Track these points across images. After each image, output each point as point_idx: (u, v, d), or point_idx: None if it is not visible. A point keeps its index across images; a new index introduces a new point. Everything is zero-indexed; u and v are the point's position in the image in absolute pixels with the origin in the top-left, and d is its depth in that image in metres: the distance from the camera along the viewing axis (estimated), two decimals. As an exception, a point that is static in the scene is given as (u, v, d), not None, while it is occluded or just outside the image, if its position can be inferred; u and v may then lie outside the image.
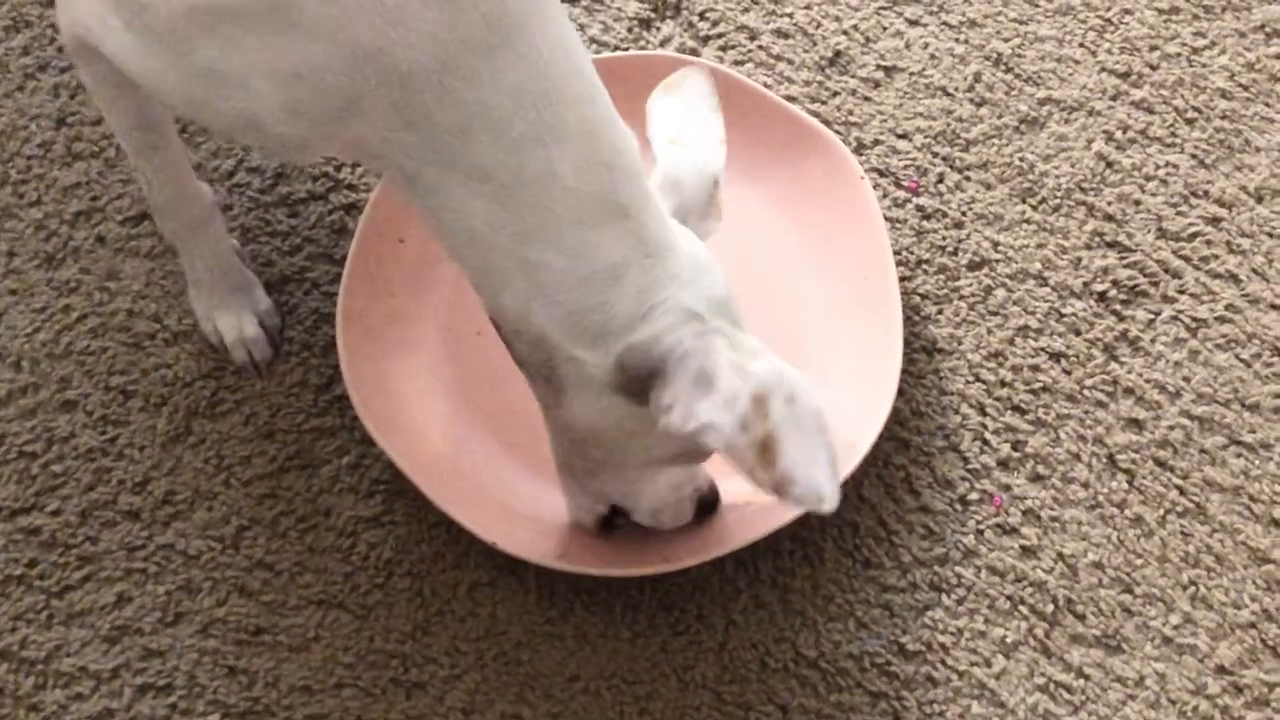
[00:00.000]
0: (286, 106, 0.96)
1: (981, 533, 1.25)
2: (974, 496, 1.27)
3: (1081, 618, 1.22)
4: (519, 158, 0.95)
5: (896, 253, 1.36)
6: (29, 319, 1.32)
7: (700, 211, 1.10)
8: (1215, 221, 1.41)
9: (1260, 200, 1.42)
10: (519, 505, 1.22)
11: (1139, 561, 1.25)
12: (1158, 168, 1.44)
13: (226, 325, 1.28)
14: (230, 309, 1.28)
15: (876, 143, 1.44)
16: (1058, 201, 1.42)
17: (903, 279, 1.35)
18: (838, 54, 1.49)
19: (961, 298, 1.36)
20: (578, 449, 1.10)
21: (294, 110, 0.96)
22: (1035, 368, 1.33)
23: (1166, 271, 1.38)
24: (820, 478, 0.95)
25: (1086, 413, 1.31)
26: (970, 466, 1.28)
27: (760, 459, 0.95)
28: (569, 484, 1.15)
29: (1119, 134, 1.45)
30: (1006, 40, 1.50)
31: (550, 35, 0.96)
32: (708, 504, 1.18)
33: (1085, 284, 1.37)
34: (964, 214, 1.41)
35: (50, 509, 1.24)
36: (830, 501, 0.95)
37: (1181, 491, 1.28)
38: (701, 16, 1.50)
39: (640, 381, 0.99)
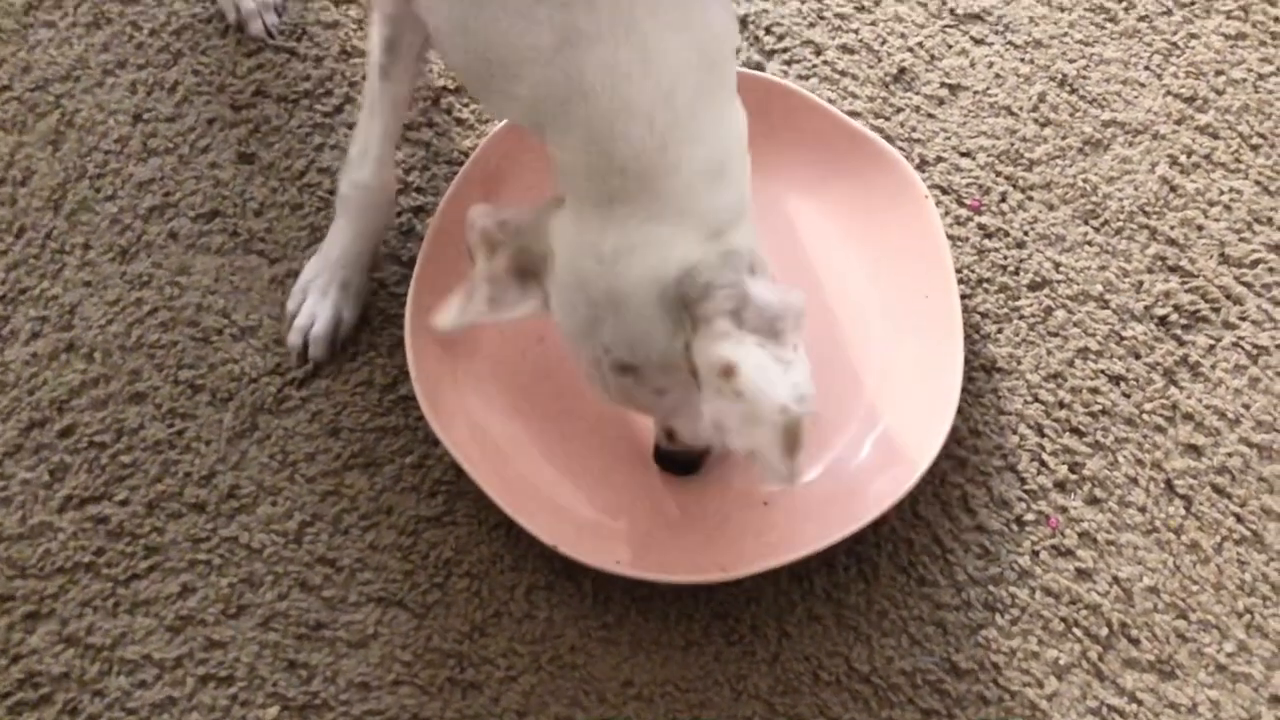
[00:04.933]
0: None
1: (1037, 554, 1.26)
2: (1030, 517, 1.27)
3: (1135, 642, 1.22)
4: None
5: (957, 271, 1.36)
6: (102, 311, 1.34)
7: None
8: (1278, 249, 1.41)
9: (1325, 229, 1.42)
10: (579, 510, 1.24)
11: (1195, 588, 1.25)
12: (1221, 193, 1.44)
13: (308, 307, 1.30)
14: (324, 295, 1.30)
15: (939, 160, 1.45)
16: (1120, 224, 1.42)
17: (963, 297, 1.35)
18: (902, 70, 1.49)
19: (1022, 318, 1.37)
20: None
21: None
22: (1095, 390, 1.33)
23: (1228, 297, 1.38)
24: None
25: (1145, 437, 1.31)
26: (1027, 487, 1.29)
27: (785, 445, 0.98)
28: None
29: (1183, 158, 1.45)
30: (1072, 61, 1.51)
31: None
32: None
33: (1146, 308, 1.38)
34: (1026, 234, 1.41)
35: (118, 499, 1.26)
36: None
37: (1239, 519, 1.28)
38: (768, 31, 1.51)
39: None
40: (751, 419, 0.97)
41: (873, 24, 1.52)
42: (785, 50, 1.50)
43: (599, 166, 1.01)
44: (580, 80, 1.00)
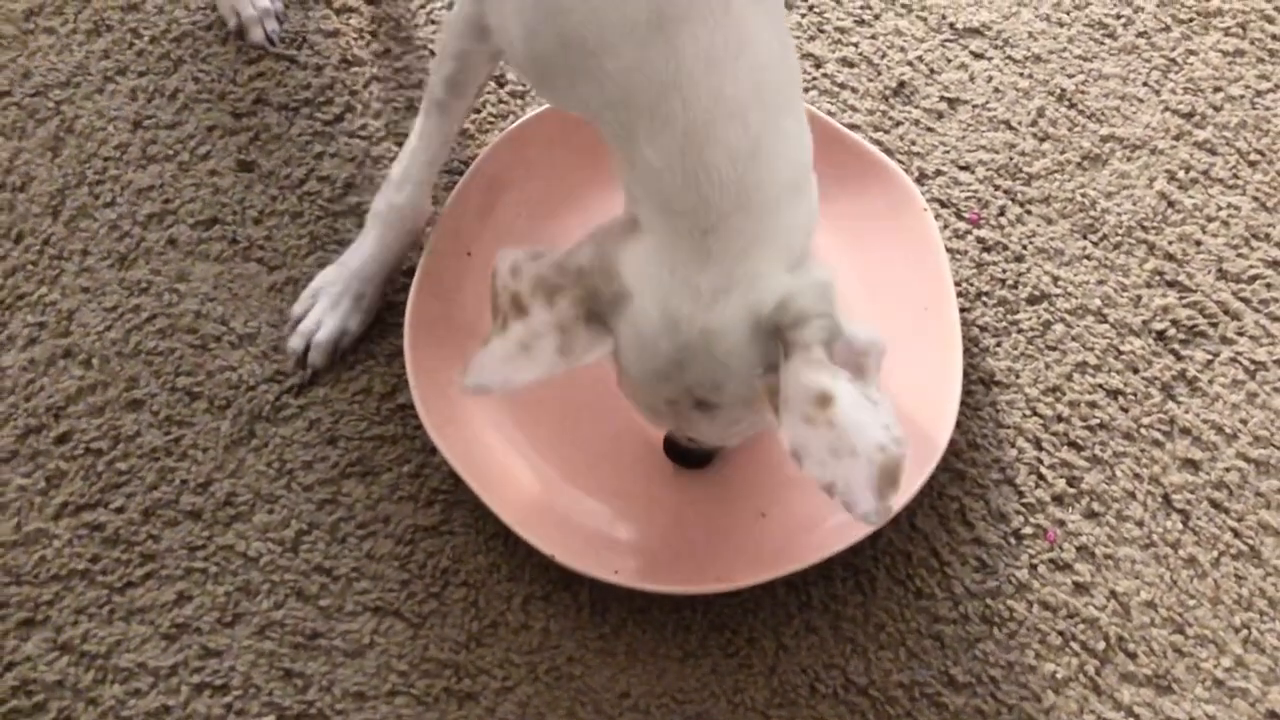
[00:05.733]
0: None
1: (1035, 567, 1.26)
2: (1028, 531, 1.27)
3: (1133, 656, 1.22)
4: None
5: (956, 284, 1.37)
6: (100, 317, 1.34)
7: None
8: (1276, 264, 1.41)
9: (1322, 245, 1.42)
10: (576, 520, 1.23)
11: (1192, 602, 1.25)
12: (1219, 209, 1.44)
13: (315, 313, 1.30)
14: (335, 304, 1.30)
15: (939, 173, 1.45)
16: (1119, 239, 1.42)
17: (962, 310, 1.36)
18: (902, 84, 1.50)
19: (1020, 331, 1.37)
20: None
21: None
22: (1093, 404, 1.33)
23: (1226, 313, 1.39)
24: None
25: (1143, 451, 1.31)
26: (1025, 501, 1.29)
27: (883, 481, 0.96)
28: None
29: (1181, 174, 1.46)
30: (1071, 76, 1.51)
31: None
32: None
33: (1144, 322, 1.38)
34: (1024, 248, 1.41)
35: (115, 506, 1.26)
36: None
37: (1236, 534, 1.28)
38: (768, 42, 1.52)
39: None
40: (841, 451, 0.94)
41: (872, 38, 1.52)
42: (785, 63, 1.51)
43: (692, 178, 0.97)
44: (677, 65, 0.96)
